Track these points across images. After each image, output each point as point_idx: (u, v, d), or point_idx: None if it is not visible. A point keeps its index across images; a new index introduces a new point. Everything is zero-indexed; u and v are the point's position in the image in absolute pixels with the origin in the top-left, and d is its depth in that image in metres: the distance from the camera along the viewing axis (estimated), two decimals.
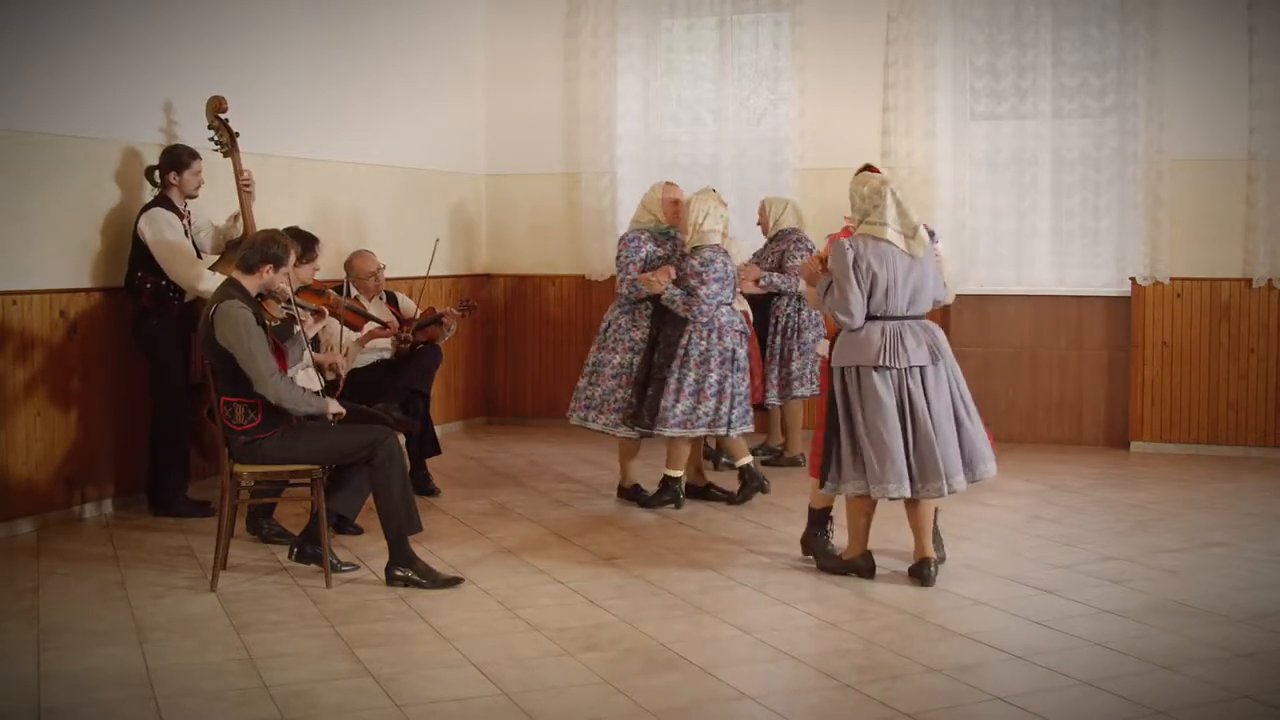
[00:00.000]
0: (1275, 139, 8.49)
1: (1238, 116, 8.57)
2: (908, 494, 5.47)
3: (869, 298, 5.49)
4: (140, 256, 6.69)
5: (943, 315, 9.23)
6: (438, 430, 7.83)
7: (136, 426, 6.95)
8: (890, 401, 5.47)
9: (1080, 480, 7.94)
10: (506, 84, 10.17)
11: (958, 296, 9.26)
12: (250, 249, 5.55)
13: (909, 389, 5.51)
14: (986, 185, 9.27)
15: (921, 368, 5.53)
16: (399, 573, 5.52)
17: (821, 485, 5.65)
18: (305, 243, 6.45)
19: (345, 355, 7.08)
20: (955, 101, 9.17)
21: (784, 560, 6.01)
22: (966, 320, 9.30)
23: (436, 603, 5.32)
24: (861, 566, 5.69)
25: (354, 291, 7.42)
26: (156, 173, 6.81)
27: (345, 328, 7.09)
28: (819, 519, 5.92)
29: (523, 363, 10.26)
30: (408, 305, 7.62)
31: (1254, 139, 8.53)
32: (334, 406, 5.65)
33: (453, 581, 5.54)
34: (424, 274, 7.87)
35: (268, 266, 5.51)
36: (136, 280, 6.69)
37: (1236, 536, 6.48)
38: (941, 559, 5.79)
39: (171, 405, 6.79)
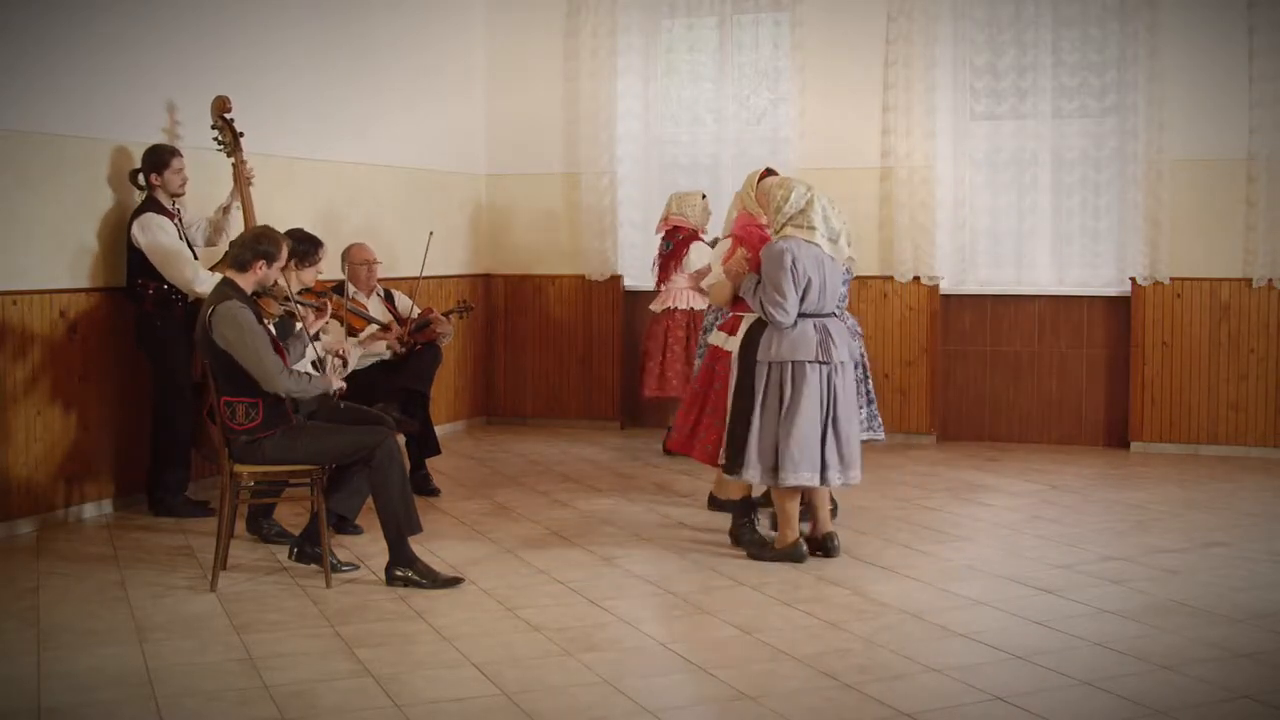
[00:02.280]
0: (1275, 139, 8.49)
1: (1238, 116, 8.57)
2: (817, 483, 5.83)
3: (802, 297, 5.74)
4: (138, 262, 6.69)
5: (942, 315, 9.25)
6: (438, 430, 7.83)
7: (136, 426, 6.95)
8: (818, 394, 5.78)
9: (1080, 480, 7.94)
10: (506, 84, 10.17)
11: (958, 296, 9.29)
12: (242, 246, 5.53)
13: (834, 383, 5.82)
14: (986, 185, 9.27)
15: (842, 363, 5.87)
16: (399, 573, 5.52)
17: (731, 473, 5.92)
18: (309, 245, 6.45)
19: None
20: (955, 101, 9.17)
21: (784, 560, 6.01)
22: (967, 320, 9.30)
23: (436, 603, 5.32)
24: (796, 554, 5.90)
25: (353, 290, 7.42)
26: (140, 175, 6.80)
27: (346, 330, 7.08)
28: (742, 509, 6.13)
29: (523, 363, 10.26)
30: (404, 304, 7.62)
31: (1254, 139, 8.53)
32: (336, 381, 5.66)
33: (453, 581, 5.54)
34: (424, 273, 7.86)
35: (260, 263, 5.49)
36: (138, 286, 6.69)
37: (1236, 536, 6.47)
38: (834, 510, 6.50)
39: (173, 405, 6.79)
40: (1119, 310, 8.98)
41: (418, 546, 5.71)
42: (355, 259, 7.45)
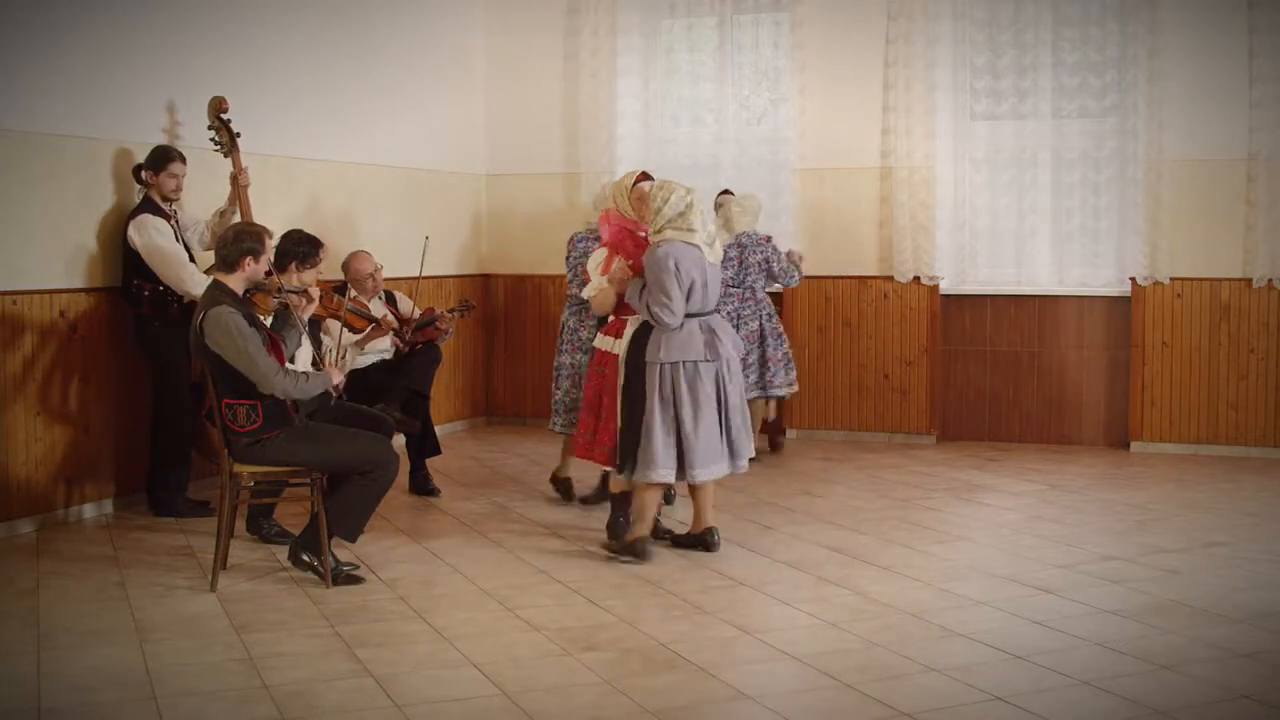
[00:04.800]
0: (1275, 139, 8.48)
1: (1238, 116, 8.56)
2: (724, 473, 6.00)
3: (687, 298, 5.88)
4: (134, 263, 6.68)
5: (942, 315, 9.25)
6: (438, 430, 7.83)
7: (136, 426, 6.95)
8: (712, 392, 5.91)
9: (1080, 480, 7.94)
10: (506, 84, 10.17)
11: (958, 296, 9.29)
12: (224, 246, 5.51)
13: (723, 379, 5.96)
14: (986, 185, 9.26)
15: (729, 359, 5.99)
16: (306, 557, 5.55)
17: (624, 472, 5.99)
18: (309, 246, 6.44)
19: (344, 356, 7.08)
20: (955, 101, 9.17)
21: (784, 560, 6.01)
22: (967, 320, 9.30)
23: (436, 603, 5.32)
24: (644, 550, 5.98)
25: (353, 292, 7.41)
26: (141, 172, 6.80)
27: (347, 329, 7.07)
28: (621, 503, 6.26)
29: (522, 363, 10.26)
30: (406, 304, 7.62)
31: (1254, 139, 8.53)
32: (336, 377, 5.64)
33: (351, 580, 5.56)
34: (419, 274, 7.85)
35: (247, 259, 5.47)
36: (134, 287, 6.68)
37: (1236, 536, 6.47)
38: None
39: (173, 405, 6.78)
40: (1119, 310, 8.98)
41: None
42: (359, 273, 7.39)
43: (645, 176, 6.23)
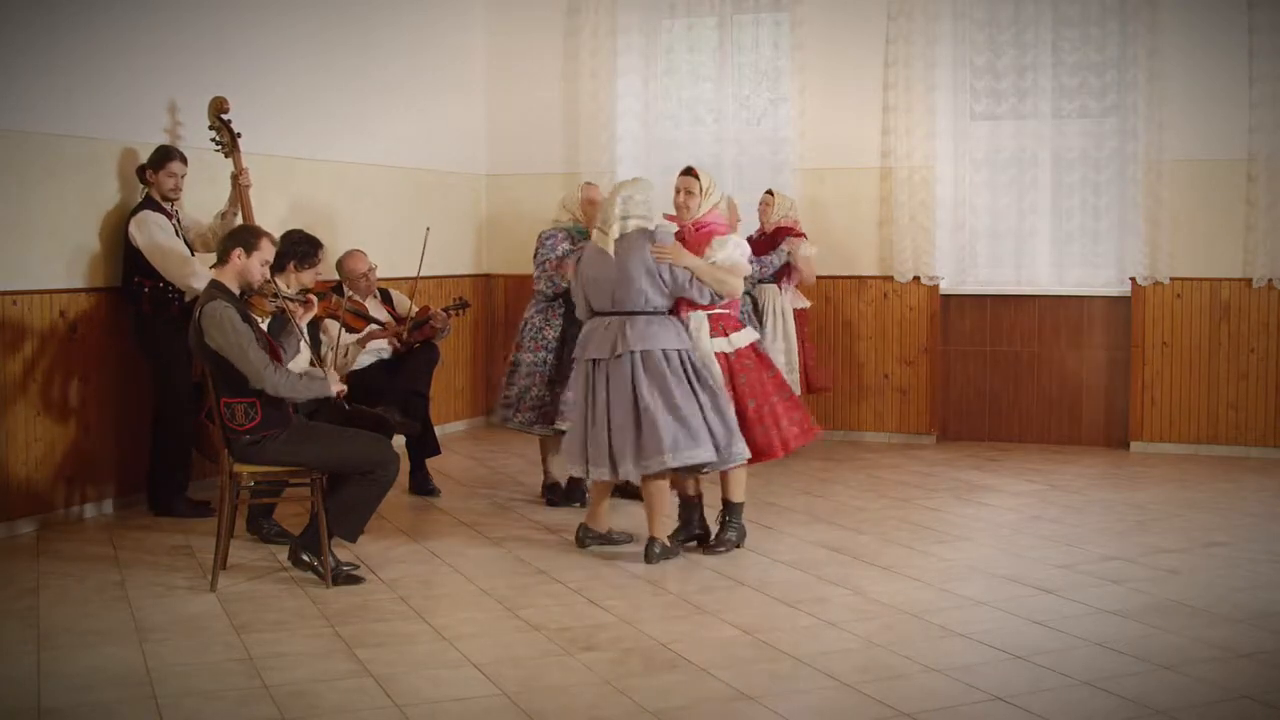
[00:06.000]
0: (1275, 139, 8.48)
1: (1238, 116, 8.56)
2: (579, 474, 6.08)
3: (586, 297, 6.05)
4: (135, 260, 6.68)
5: (942, 315, 9.24)
6: (438, 430, 7.83)
7: (137, 426, 6.95)
8: (582, 389, 6.00)
9: (1080, 480, 7.94)
10: (506, 84, 10.17)
11: (958, 296, 9.28)
12: (220, 243, 5.59)
13: (594, 380, 5.96)
14: (986, 185, 9.27)
15: (606, 360, 5.89)
16: (306, 558, 5.55)
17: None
18: (308, 246, 6.44)
19: (345, 355, 7.08)
20: (955, 101, 9.17)
21: (784, 560, 6.01)
22: (967, 320, 9.30)
23: (437, 603, 5.32)
24: (580, 538, 6.20)
25: (349, 291, 7.39)
26: (144, 171, 6.80)
27: (345, 330, 7.07)
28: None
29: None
30: (402, 302, 7.60)
31: (1254, 139, 8.53)
32: (335, 385, 5.63)
33: (351, 580, 5.56)
34: (423, 271, 7.84)
35: (237, 251, 5.47)
36: (134, 285, 6.69)
37: (1236, 536, 6.47)
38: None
39: (173, 405, 6.78)
40: (1119, 310, 8.98)
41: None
42: (353, 274, 7.37)
43: (689, 171, 6.15)
